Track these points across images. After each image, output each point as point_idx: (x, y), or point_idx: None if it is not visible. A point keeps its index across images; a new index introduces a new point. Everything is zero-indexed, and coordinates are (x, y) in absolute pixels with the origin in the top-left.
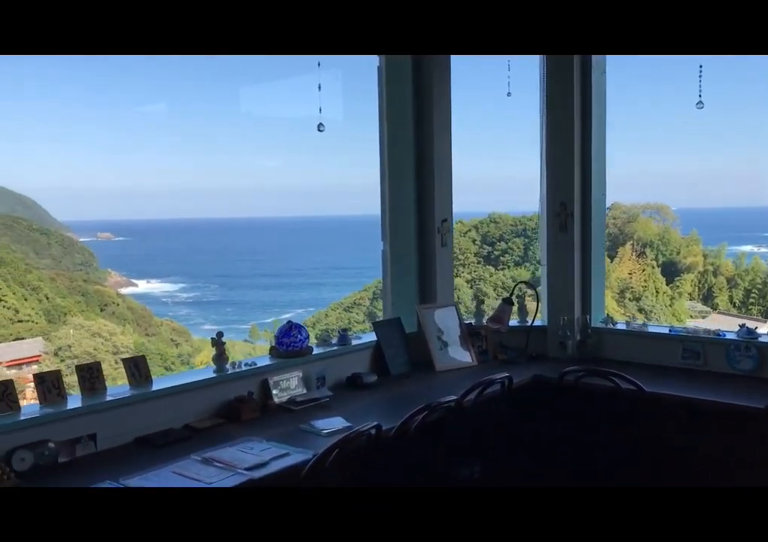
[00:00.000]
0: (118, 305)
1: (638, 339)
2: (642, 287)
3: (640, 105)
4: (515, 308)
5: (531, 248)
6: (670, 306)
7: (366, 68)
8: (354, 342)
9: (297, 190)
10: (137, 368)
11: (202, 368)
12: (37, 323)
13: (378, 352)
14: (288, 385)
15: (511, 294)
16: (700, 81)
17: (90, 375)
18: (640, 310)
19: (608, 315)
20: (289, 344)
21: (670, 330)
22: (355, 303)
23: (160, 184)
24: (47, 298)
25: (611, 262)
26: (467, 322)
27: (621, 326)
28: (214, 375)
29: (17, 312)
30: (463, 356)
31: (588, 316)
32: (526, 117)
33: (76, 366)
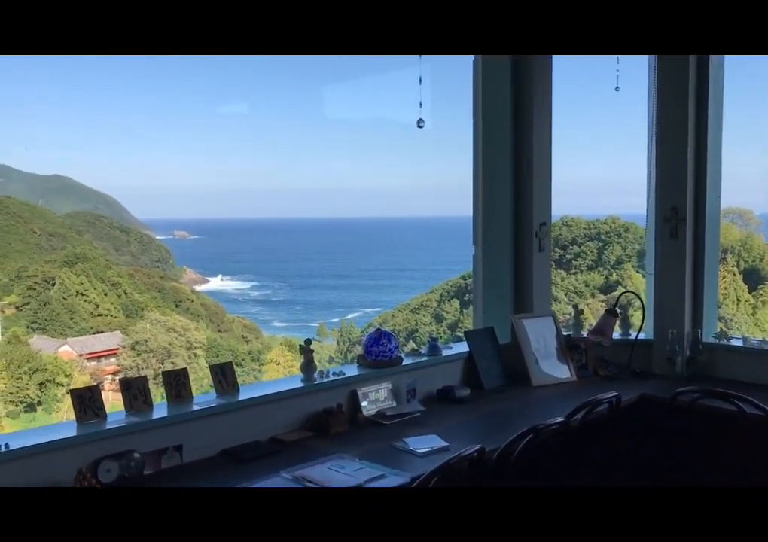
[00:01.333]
0: (192, 301)
1: (758, 357)
2: (722, 294)
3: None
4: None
5: (606, 252)
6: (752, 315)
7: (455, 64)
8: (444, 353)
9: (367, 192)
10: (224, 375)
11: (289, 377)
12: (116, 317)
13: (470, 364)
14: (378, 397)
15: (615, 305)
16: None
17: (177, 382)
18: (719, 319)
19: (721, 329)
20: (378, 353)
21: None
22: (422, 305)
23: (235, 184)
24: (126, 293)
25: None
26: (566, 334)
27: (737, 342)
28: (302, 384)
29: (97, 306)
30: (561, 371)
31: (699, 330)
32: (611, 115)
33: (162, 373)
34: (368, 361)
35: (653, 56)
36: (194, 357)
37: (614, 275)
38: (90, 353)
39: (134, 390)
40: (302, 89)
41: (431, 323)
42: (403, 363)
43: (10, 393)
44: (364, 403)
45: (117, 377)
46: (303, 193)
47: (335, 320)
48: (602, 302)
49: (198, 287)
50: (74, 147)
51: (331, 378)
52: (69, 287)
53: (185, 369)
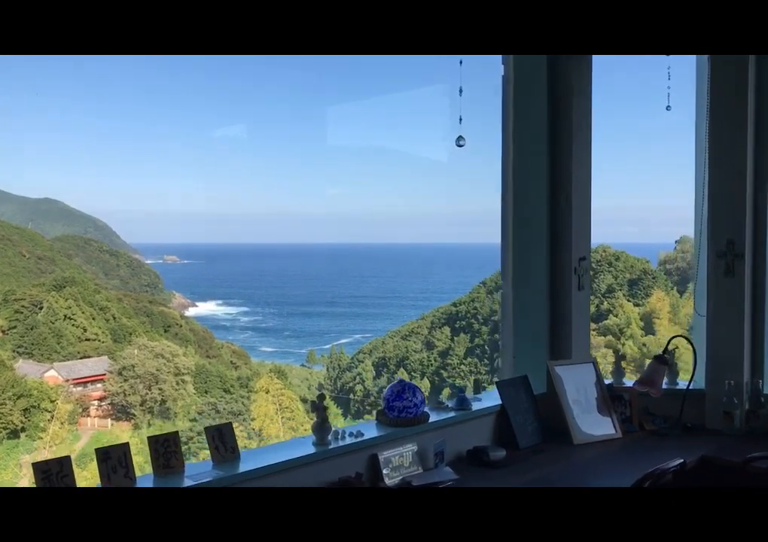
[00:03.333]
0: (181, 326)
1: None
2: None
3: None
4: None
5: (596, 280)
6: None
7: (478, 81)
8: (474, 406)
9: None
10: (221, 440)
11: (299, 437)
12: (103, 342)
13: (503, 419)
14: (402, 462)
15: (665, 351)
16: None
17: (165, 449)
18: None
19: None
20: (402, 409)
21: None
22: (412, 332)
23: (227, 209)
24: (114, 318)
25: (681, 297)
26: (607, 383)
27: None
28: (314, 449)
29: (85, 330)
30: (604, 426)
31: (761, 381)
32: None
33: (148, 438)
34: (390, 419)
35: (706, 72)
36: (182, 384)
37: (605, 303)
38: (77, 378)
39: (113, 461)
40: (299, 113)
41: (421, 350)
42: (430, 420)
43: None
44: (385, 471)
45: (103, 403)
46: (296, 218)
47: (326, 346)
48: (594, 330)
49: (187, 312)
50: (64, 170)
51: (348, 440)
52: (57, 311)
53: (176, 433)
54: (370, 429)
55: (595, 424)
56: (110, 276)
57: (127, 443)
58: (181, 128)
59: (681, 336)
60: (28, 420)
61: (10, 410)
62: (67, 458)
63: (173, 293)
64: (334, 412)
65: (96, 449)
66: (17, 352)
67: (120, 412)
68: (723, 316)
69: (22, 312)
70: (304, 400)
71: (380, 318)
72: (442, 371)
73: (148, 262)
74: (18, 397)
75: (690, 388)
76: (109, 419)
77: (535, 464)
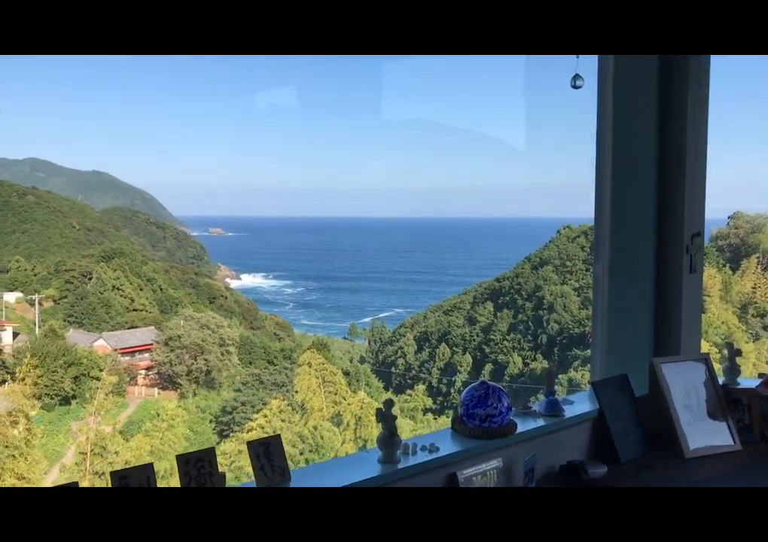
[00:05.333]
0: (226, 298)
1: None
2: None
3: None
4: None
5: None
6: None
7: None
8: (567, 413)
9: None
10: (268, 458)
11: (358, 453)
12: (150, 312)
13: (600, 427)
14: (485, 482)
15: None
16: None
17: (199, 470)
18: (765, 327)
19: None
20: (484, 418)
21: None
22: (454, 307)
23: (273, 183)
24: (161, 289)
25: (733, 274)
26: (722, 384)
27: None
28: (380, 470)
29: (133, 301)
30: (720, 435)
31: None
32: None
33: (177, 457)
34: (470, 429)
35: None
36: (227, 354)
37: None
38: (124, 348)
39: (132, 482)
40: (349, 86)
41: (463, 325)
42: (517, 430)
43: (46, 386)
44: None
45: (150, 372)
46: (342, 192)
47: (366, 319)
48: None
49: (232, 284)
50: (113, 143)
51: (420, 457)
52: (106, 282)
53: (212, 449)
54: (444, 441)
55: (708, 434)
56: (157, 248)
57: (151, 465)
58: (228, 100)
59: None
60: (79, 387)
61: (62, 378)
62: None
63: (218, 265)
64: (375, 385)
65: (111, 473)
66: (68, 321)
67: (167, 381)
68: None
69: (72, 282)
70: (346, 373)
71: (422, 293)
72: (484, 346)
73: (194, 234)
74: (69, 365)
75: None
76: (156, 388)
77: (642, 483)
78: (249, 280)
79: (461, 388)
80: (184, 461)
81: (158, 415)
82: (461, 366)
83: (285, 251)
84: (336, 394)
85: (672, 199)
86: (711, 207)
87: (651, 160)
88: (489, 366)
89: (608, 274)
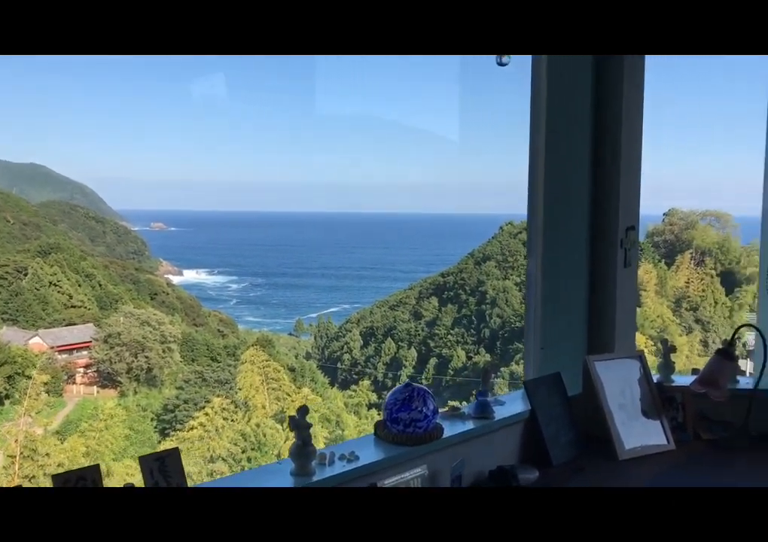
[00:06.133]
0: (168, 294)
1: None
2: (700, 296)
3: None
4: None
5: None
6: (729, 317)
7: None
8: (497, 415)
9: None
10: (164, 474)
11: (272, 464)
12: (89, 309)
13: (532, 428)
14: None
15: (730, 344)
16: None
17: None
18: (697, 321)
19: None
20: (409, 423)
21: None
22: (400, 302)
23: (215, 176)
24: (100, 285)
25: (668, 269)
26: (656, 382)
27: None
28: (293, 482)
29: (71, 297)
30: (654, 435)
31: None
32: None
33: (139, 459)
34: (394, 435)
35: None
36: (168, 352)
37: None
38: (62, 345)
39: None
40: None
41: (409, 320)
42: (444, 434)
43: None
44: None
45: (89, 370)
46: (285, 186)
47: (313, 315)
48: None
49: (174, 280)
50: (51, 135)
51: (337, 468)
52: (42, 278)
53: (96, 467)
54: (366, 448)
55: (642, 433)
56: (96, 243)
57: (97, 466)
58: (168, 91)
59: (749, 325)
60: (12, 387)
61: None
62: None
63: (160, 260)
64: (321, 381)
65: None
66: (1, 319)
67: (106, 379)
68: None
69: (6, 278)
70: (291, 369)
71: (368, 289)
72: (429, 341)
73: (135, 229)
74: (2, 364)
75: (758, 387)
76: (95, 387)
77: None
78: (192, 276)
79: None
80: (63, 480)
81: (95, 414)
82: (406, 360)
83: (230, 247)
84: (279, 389)
85: (606, 192)
86: (648, 204)
87: (585, 154)
88: (433, 361)
89: (541, 269)
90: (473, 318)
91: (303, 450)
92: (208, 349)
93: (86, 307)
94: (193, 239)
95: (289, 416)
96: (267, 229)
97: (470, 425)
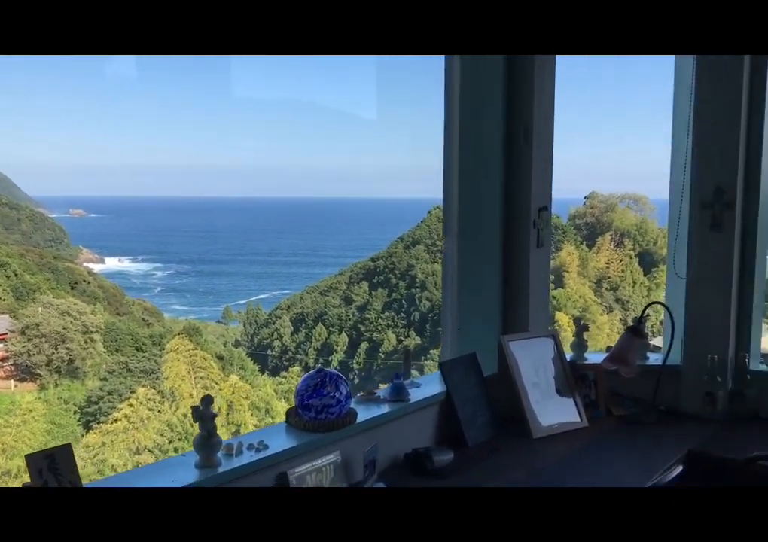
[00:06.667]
0: (89, 283)
1: None
2: (619, 277)
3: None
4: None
5: None
6: (647, 296)
7: None
8: (413, 396)
9: (278, 172)
10: (54, 472)
11: (177, 457)
12: (4, 300)
13: (448, 410)
14: (320, 480)
15: (640, 321)
16: None
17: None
18: (617, 300)
19: None
20: (320, 409)
21: None
22: (330, 287)
23: (137, 161)
24: (16, 274)
25: (589, 251)
26: (570, 360)
27: None
28: (197, 475)
29: None
30: (568, 412)
31: (746, 355)
32: None
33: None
34: (305, 422)
35: None
36: (91, 342)
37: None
38: None
39: None
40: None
41: (340, 305)
42: (358, 419)
43: None
44: None
45: (5, 364)
46: (210, 170)
47: (241, 302)
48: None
49: (95, 269)
50: None
51: (246, 458)
52: None
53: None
54: (277, 437)
55: (556, 411)
56: (10, 231)
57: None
58: (82, 73)
59: (657, 302)
60: None
61: None
62: None
63: (80, 248)
64: (251, 368)
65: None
66: None
67: (25, 372)
68: (707, 279)
69: None
70: (220, 357)
71: (298, 274)
72: (360, 325)
73: (53, 216)
74: None
75: (666, 363)
76: (12, 380)
77: (490, 471)
78: (114, 264)
79: (338, 367)
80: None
81: (12, 409)
82: (337, 345)
83: (154, 233)
84: (207, 378)
85: (519, 173)
86: (571, 188)
87: (498, 134)
88: (364, 345)
89: (456, 250)
90: (404, 301)
91: (207, 441)
92: (132, 339)
93: (0, 298)
94: (115, 226)
95: (192, 407)
96: (192, 215)
97: (385, 409)
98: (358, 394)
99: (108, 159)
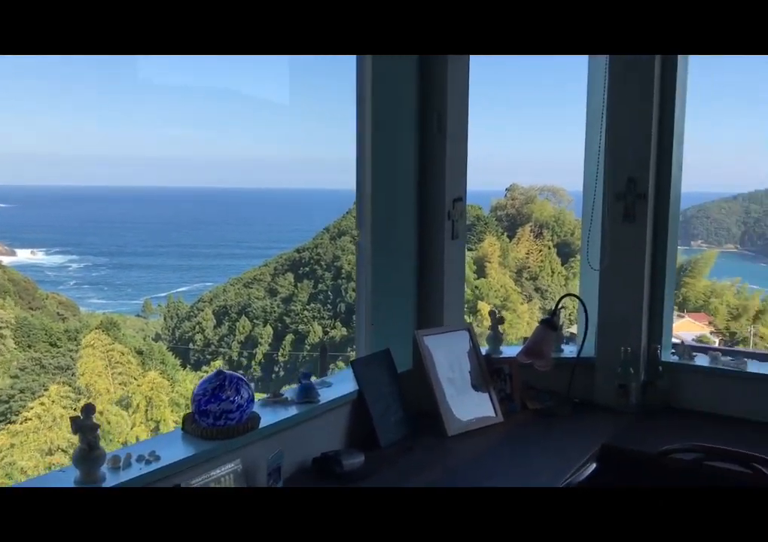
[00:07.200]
0: None
1: (734, 380)
2: (539, 267)
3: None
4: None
5: None
6: (565, 285)
7: None
8: (323, 396)
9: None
10: None
11: (55, 471)
12: None
13: (360, 410)
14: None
15: (554, 313)
16: None
17: None
18: (536, 289)
19: (682, 342)
20: (219, 415)
21: None
22: (255, 279)
23: (48, 148)
24: None
25: (510, 242)
26: (485, 354)
27: (702, 361)
28: (76, 489)
29: None
30: (483, 407)
31: (658, 347)
32: None
33: None
34: (203, 429)
35: None
36: (1, 338)
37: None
38: None
39: None
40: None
41: (264, 297)
42: (261, 424)
43: None
44: None
45: None
46: (124, 160)
47: (162, 295)
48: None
49: (5, 261)
50: None
51: (135, 470)
52: None
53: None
54: (171, 446)
55: (472, 407)
56: None
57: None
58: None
59: (572, 294)
60: None
61: None
62: None
63: None
64: (172, 363)
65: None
66: None
67: None
68: (620, 270)
69: None
70: (140, 352)
71: (221, 266)
72: (285, 317)
73: None
74: None
75: (580, 356)
76: None
77: (402, 473)
78: (26, 256)
79: (263, 360)
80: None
81: None
82: (261, 338)
83: (69, 224)
84: (125, 374)
85: (433, 164)
86: (492, 180)
87: (411, 123)
88: (289, 337)
89: (370, 242)
90: (330, 292)
91: (88, 455)
92: (46, 334)
93: None
94: (26, 216)
95: (71, 418)
96: (109, 206)
97: (292, 411)
98: (265, 396)
99: (17, 146)
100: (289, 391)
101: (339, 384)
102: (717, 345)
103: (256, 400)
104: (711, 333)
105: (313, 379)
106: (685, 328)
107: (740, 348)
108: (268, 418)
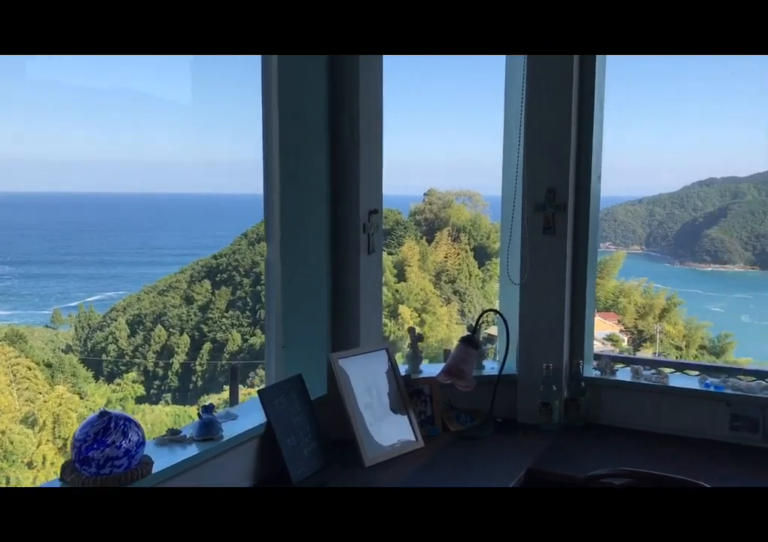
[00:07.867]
0: None
1: (656, 395)
2: (457, 270)
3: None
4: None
5: None
6: (482, 288)
7: None
8: (226, 432)
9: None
10: None
11: None
12: None
13: (269, 444)
14: None
15: (474, 331)
16: None
17: None
18: (455, 292)
19: (602, 357)
20: (103, 463)
21: (705, 383)
22: (170, 287)
23: None
24: None
25: (429, 245)
26: (404, 374)
27: (624, 375)
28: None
29: None
30: (402, 432)
31: (580, 362)
32: None
33: None
34: (84, 479)
35: None
36: None
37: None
38: None
39: None
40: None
41: (180, 305)
42: (155, 469)
43: None
44: None
45: None
46: (26, 163)
47: (73, 304)
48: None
49: None
50: None
51: None
52: None
53: None
54: None
55: (390, 433)
56: None
57: None
58: None
59: (492, 310)
60: None
61: None
62: None
63: None
64: (84, 375)
65: None
66: None
67: None
68: (540, 284)
69: None
70: (48, 365)
71: (135, 275)
72: (203, 325)
73: None
74: None
75: (502, 373)
76: None
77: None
78: None
79: (180, 370)
80: None
81: None
82: (178, 347)
83: None
84: (30, 389)
85: (347, 174)
86: (410, 184)
87: (323, 130)
88: (207, 346)
89: (279, 258)
90: (248, 299)
91: None
92: None
93: None
94: None
95: None
96: (13, 212)
97: (193, 450)
98: (161, 435)
99: None
100: (186, 427)
101: (246, 415)
102: (626, 343)
103: (150, 438)
104: (621, 331)
105: (218, 411)
106: (596, 327)
107: (660, 358)
108: (163, 461)
